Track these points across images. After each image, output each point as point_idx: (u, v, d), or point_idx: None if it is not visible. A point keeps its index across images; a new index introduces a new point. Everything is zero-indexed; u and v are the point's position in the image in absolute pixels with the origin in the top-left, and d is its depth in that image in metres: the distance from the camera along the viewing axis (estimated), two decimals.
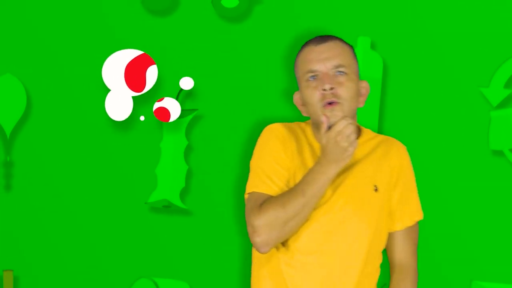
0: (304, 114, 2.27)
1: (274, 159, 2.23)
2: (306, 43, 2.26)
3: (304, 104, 2.24)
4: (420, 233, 2.37)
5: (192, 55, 2.89)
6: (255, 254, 2.28)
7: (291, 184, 2.20)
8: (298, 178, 2.18)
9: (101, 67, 2.76)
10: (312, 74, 2.19)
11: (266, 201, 2.14)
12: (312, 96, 2.18)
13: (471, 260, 2.65)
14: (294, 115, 2.59)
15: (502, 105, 2.65)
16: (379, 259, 2.27)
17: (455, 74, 2.69)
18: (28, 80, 3.01)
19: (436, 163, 2.66)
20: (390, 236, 2.29)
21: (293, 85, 2.47)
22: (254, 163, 2.26)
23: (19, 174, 3.04)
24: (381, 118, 2.73)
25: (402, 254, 2.29)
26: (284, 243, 2.20)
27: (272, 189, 2.19)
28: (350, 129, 2.04)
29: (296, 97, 2.28)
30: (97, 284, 3.00)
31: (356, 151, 2.21)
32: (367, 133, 2.31)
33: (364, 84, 2.25)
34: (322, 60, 2.19)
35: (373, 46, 2.70)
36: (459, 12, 2.68)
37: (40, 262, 3.07)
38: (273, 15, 2.81)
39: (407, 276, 2.29)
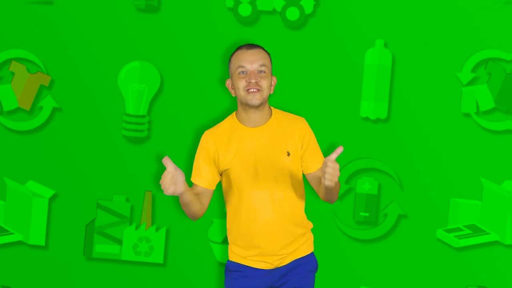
0: (233, 95, 3.13)
1: (197, 164, 3.15)
2: (240, 47, 3.11)
3: (234, 88, 3.09)
4: (411, 165, 3.83)
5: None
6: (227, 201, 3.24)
7: (224, 172, 3.06)
8: (233, 163, 3.01)
9: None
10: (243, 70, 3.04)
11: None
12: (240, 84, 3.04)
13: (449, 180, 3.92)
14: None
15: (469, 83, 3.93)
16: (299, 188, 3.18)
17: (439, 64, 3.93)
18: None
19: (430, 120, 3.90)
20: (312, 175, 3.18)
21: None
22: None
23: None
24: (391, 89, 3.92)
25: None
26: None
27: (196, 180, 3.14)
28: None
29: (228, 82, 3.15)
30: None
31: (270, 126, 3.09)
32: (277, 112, 3.16)
33: (274, 78, 3.16)
34: (251, 61, 3.05)
35: (385, 45, 3.92)
36: (442, 21, 3.92)
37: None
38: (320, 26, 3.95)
39: None
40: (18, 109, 4.02)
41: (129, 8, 3.99)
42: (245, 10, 3.93)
